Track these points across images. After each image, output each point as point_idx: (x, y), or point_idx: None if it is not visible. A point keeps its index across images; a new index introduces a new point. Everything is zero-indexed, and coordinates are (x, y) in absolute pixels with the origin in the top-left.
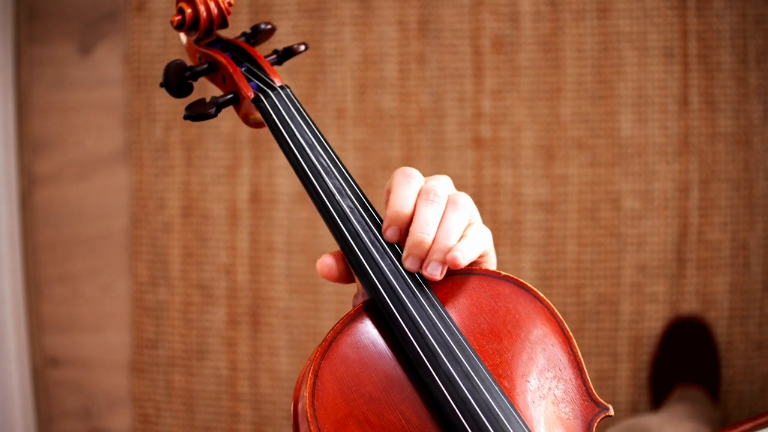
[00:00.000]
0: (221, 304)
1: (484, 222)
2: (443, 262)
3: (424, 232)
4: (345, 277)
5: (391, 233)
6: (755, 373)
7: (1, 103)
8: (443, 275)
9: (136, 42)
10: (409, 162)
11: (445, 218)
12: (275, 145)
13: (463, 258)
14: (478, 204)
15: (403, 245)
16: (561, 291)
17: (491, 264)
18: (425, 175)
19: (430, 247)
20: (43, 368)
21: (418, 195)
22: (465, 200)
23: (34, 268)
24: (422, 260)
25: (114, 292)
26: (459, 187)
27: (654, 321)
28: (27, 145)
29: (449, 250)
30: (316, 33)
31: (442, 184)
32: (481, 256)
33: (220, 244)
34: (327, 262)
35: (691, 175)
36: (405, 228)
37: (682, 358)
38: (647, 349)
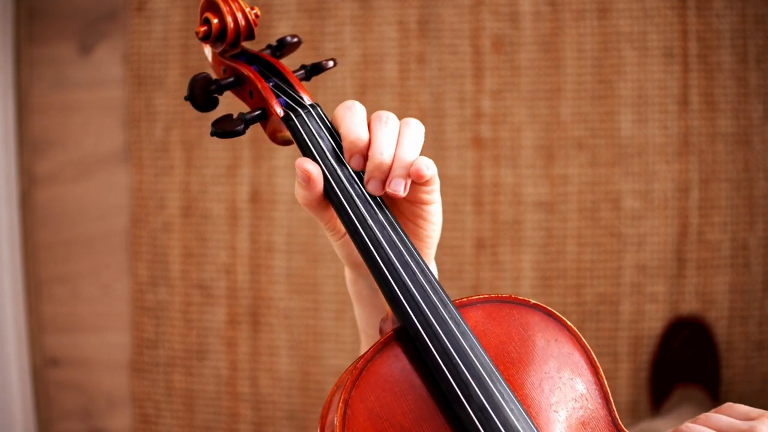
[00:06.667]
0: (221, 304)
1: (484, 222)
2: (406, 177)
3: (382, 153)
4: (320, 207)
5: (356, 161)
6: (755, 373)
7: (1, 103)
8: (407, 191)
9: (136, 42)
10: None
11: (401, 136)
12: (275, 145)
13: (427, 169)
14: (478, 204)
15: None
16: (561, 291)
17: (436, 193)
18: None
19: (391, 165)
20: (43, 368)
21: (371, 120)
22: (416, 121)
23: (34, 268)
24: (384, 181)
25: (114, 292)
26: (459, 187)
27: (654, 321)
28: (27, 145)
29: (410, 165)
30: (316, 33)
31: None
32: (426, 183)
33: (220, 244)
34: (310, 169)
35: (691, 175)
36: (366, 153)
37: (682, 358)
38: (647, 349)
